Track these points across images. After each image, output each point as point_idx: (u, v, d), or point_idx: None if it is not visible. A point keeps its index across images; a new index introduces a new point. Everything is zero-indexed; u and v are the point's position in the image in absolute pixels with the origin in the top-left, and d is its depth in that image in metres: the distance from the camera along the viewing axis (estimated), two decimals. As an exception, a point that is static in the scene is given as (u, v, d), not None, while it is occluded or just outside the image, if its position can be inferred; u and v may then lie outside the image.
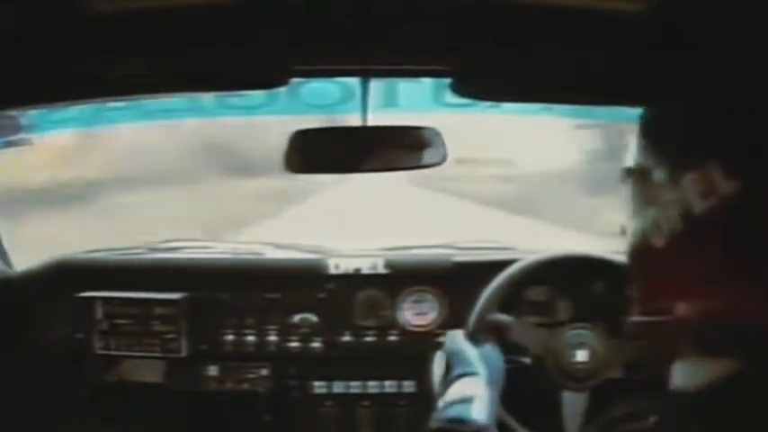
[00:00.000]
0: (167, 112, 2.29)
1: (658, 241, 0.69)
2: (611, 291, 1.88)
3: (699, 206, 0.65)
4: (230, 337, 2.06)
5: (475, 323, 1.80)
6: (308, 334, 2.06)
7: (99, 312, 2.04)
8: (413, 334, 2.06)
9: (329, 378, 2.07)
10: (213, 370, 2.08)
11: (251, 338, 2.06)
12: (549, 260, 1.87)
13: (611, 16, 0.98)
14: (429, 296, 2.06)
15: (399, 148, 1.47)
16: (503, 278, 1.84)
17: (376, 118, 1.45)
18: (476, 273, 1.91)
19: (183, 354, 2.02)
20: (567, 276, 1.93)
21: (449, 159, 1.50)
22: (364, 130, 1.45)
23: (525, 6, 0.99)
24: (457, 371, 1.29)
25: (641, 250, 0.73)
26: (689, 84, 0.65)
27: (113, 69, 1.13)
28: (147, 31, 1.04)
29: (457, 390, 1.24)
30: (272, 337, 2.06)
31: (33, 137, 2.26)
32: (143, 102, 2.15)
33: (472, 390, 1.23)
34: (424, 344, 2.05)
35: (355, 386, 2.07)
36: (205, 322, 2.05)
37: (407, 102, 2.15)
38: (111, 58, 1.09)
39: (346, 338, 2.06)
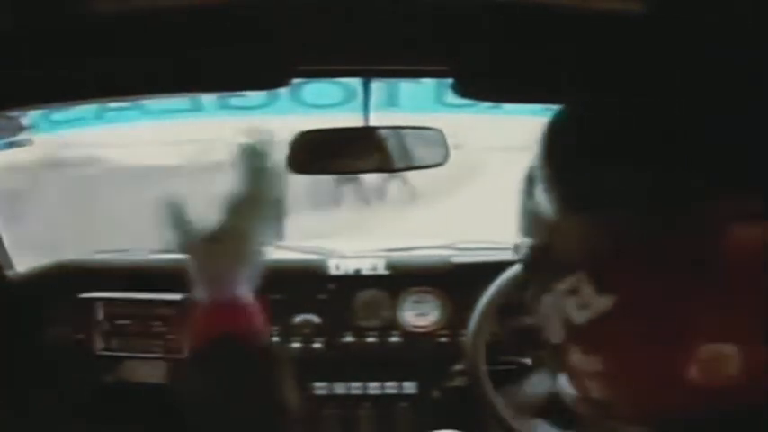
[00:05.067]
0: (167, 113, 2.29)
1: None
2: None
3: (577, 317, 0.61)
4: None
5: (475, 328, 1.80)
6: (308, 335, 2.06)
7: (100, 313, 2.04)
8: (414, 335, 2.05)
9: (330, 379, 2.07)
10: (214, 371, 2.07)
11: None
12: None
13: (610, 16, 0.98)
14: (430, 297, 2.06)
15: (401, 149, 1.47)
16: (502, 281, 1.83)
17: (377, 118, 1.45)
18: (476, 273, 1.90)
19: (185, 354, 2.02)
20: None
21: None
22: (366, 131, 1.45)
23: (525, 6, 0.99)
24: None
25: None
26: (688, 84, 0.64)
27: (113, 69, 1.12)
28: (147, 31, 1.04)
29: None
30: (273, 338, 2.06)
31: (34, 137, 2.26)
32: (143, 102, 2.15)
33: None
34: (424, 345, 2.05)
35: (356, 387, 2.06)
36: None
37: (409, 102, 2.16)
38: (111, 58, 1.09)
39: (347, 339, 2.06)
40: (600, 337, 0.60)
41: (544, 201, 0.62)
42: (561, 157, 0.63)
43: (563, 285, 0.61)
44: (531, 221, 0.65)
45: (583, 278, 0.59)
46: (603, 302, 0.58)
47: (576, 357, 0.62)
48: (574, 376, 0.64)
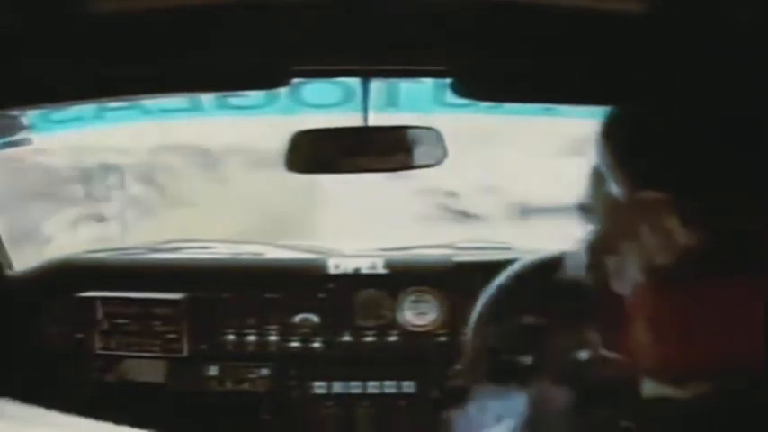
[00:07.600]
0: (167, 112, 2.28)
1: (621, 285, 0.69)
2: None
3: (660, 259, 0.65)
4: (231, 337, 2.06)
5: (475, 328, 1.80)
6: (308, 334, 2.06)
7: (99, 312, 2.04)
8: (413, 334, 2.06)
9: (329, 378, 2.07)
10: (213, 370, 2.08)
11: (251, 338, 2.06)
12: (549, 260, 1.86)
13: (611, 16, 0.98)
14: (429, 296, 2.06)
15: (400, 148, 1.48)
16: (502, 280, 1.83)
17: (376, 118, 1.45)
18: (475, 273, 1.90)
19: (184, 354, 2.02)
20: (567, 275, 1.92)
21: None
22: (365, 131, 1.45)
23: (525, 7, 0.99)
24: None
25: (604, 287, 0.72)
26: (688, 84, 0.64)
27: (113, 69, 1.13)
28: (146, 31, 1.04)
29: None
30: (273, 337, 2.06)
31: (33, 137, 2.26)
32: (143, 102, 2.15)
33: None
34: (423, 344, 2.05)
35: (355, 386, 2.07)
36: (205, 322, 2.05)
37: (408, 102, 2.15)
38: (112, 58, 1.09)
39: (346, 338, 2.06)
40: (679, 279, 0.64)
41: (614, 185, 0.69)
42: (620, 153, 0.70)
43: (646, 227, 0.65)
44: (603, 201, 0.72)
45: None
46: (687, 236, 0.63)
47: (651, 304, 0.67)
48: (643, 328, 0.69)
